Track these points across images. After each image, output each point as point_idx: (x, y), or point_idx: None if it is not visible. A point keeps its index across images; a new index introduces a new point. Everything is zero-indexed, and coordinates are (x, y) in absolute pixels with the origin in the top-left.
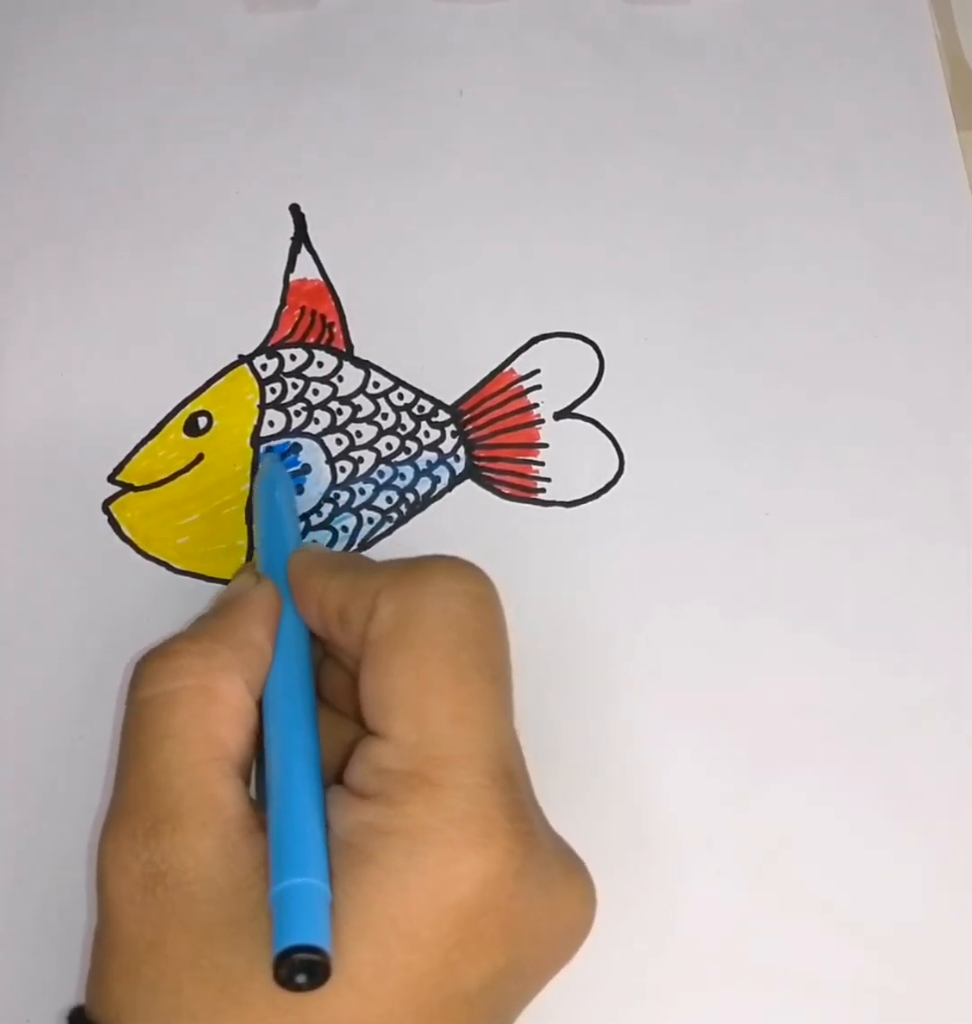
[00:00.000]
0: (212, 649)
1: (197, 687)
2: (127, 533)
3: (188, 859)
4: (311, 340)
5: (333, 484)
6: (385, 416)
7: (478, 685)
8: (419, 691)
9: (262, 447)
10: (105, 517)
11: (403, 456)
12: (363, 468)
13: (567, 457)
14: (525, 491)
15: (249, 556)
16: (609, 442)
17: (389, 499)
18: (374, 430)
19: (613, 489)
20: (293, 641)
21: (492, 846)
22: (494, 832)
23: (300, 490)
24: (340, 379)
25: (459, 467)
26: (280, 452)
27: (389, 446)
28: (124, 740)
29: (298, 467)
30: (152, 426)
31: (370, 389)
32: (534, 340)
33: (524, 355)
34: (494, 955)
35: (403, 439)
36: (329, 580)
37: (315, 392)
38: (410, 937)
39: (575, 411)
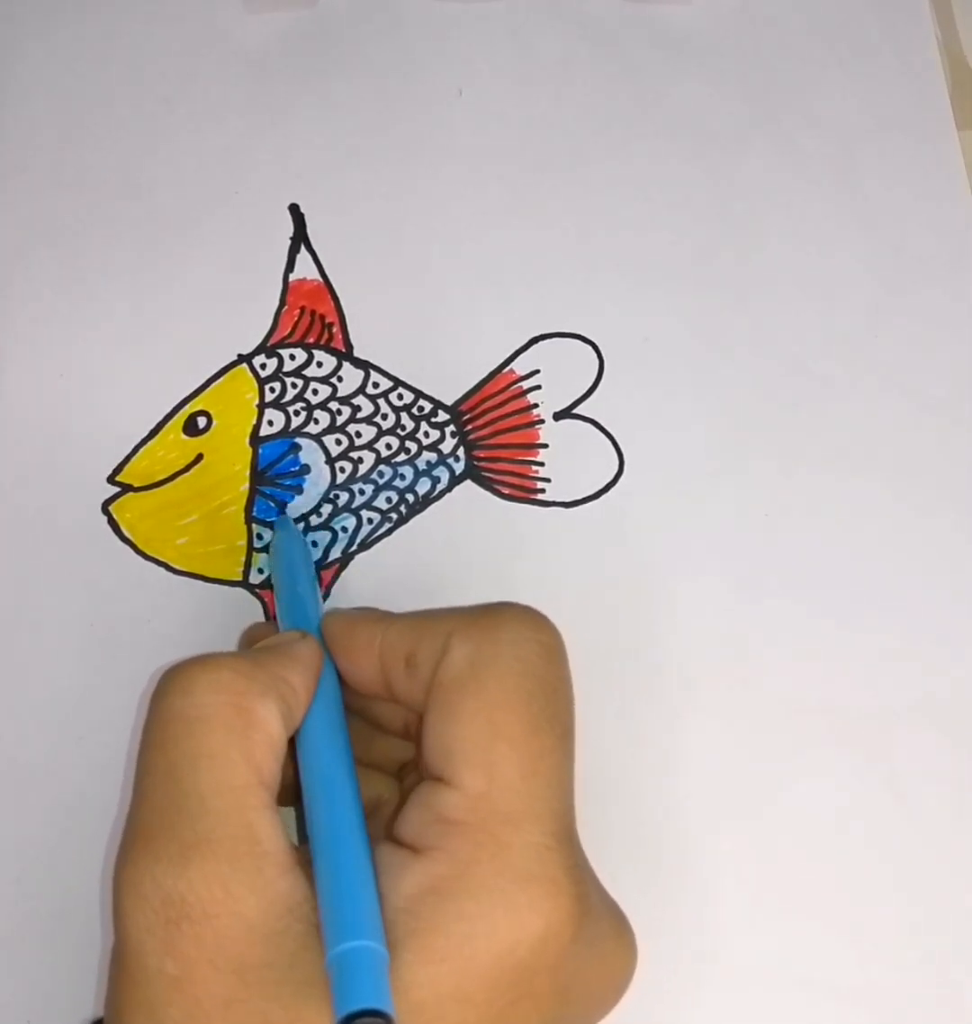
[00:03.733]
0: (252, 671)
1: (236, 706)
2: (126, 534)
3: (218, 892)
4: (310, 340)
5: (333, 484)
6: (385, 416)
7: (549, 740)
8: (490, 740)
9: (276, 515)
10: (105, 518)
11: (403, 456)
12: (363, 468)
13: (567, 457)
14: (525, 491)
15: (249, 556)
16: (609, 442)
17: (389, 499)
18: (374, 430)
19: (613, 489)
20: (331, 696)
21: (555, 910)
22: (558, 895)
23: (299, 490)
24: (340, 379)
25: (459, 467)
26: (280, 451)
27: (389, 446)
28: (149, 752)
29: (298, 467)
30: (151, 426)
31: (370, 389)
32: (534, 340)
33: (524, 355)
34: (544, 1011)
35: (403, 439)
36: (388, 627)
37: (315, 392)
38: (468, 999)
39: (575, 411)
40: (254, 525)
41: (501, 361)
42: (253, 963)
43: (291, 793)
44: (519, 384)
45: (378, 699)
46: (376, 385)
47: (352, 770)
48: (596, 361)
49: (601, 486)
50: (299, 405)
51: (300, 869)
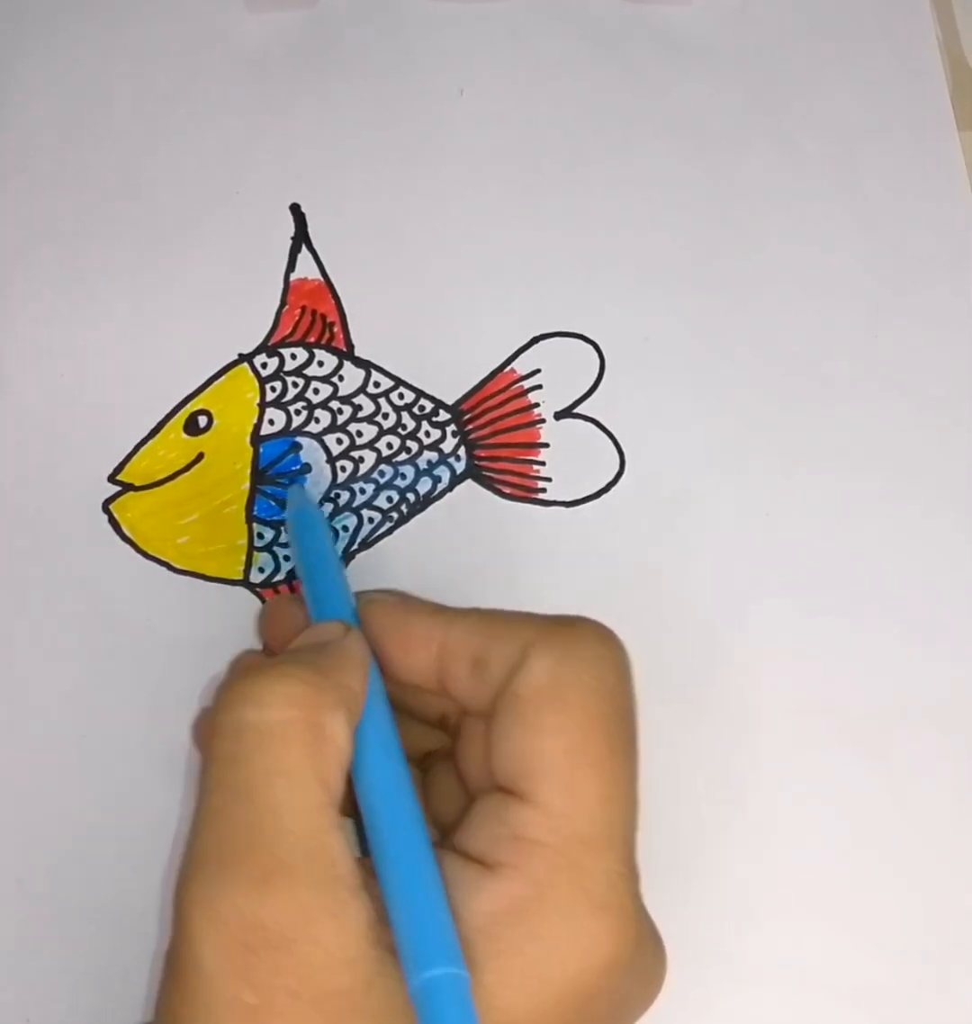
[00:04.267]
0: (321, 682)
1: (309, 721)
2: (127, 533)
3: (298, 918)
4: (311, 339)
5: (333, 484)
6: (386, 416)
7: (624, 764)
8: (574, 760)
9: (289, 484)
10: (105, 517)
11: (404, 456)
12: (364, 468)
13: (568, 457)
14: (526, 491)
15: (249, 555)
16: (610, 442)
17: (390, 499)
18: (375, 430)
19: (614, 489)
20: (379, 694)
21: (623, 938)
22: (626, 923)
23: None
24: (341, 378)
25: (460, 467)
26: (280, 450)
27: (390, 446)
28: (220, 766)
29: (298, 467)
30: (152, 425)
31: (371, 388)
32: (535, 340)
33: (525, 355)
34: None
35: (404, 439)
36: (451, 624)
37: (315, 391)
38: (539, 1022)
39: (576, 411)
40: (255, 524)
41: (502, 360)
42: (331, 991)
43: (349, 802)
44: (520, 383)
45: (421, 690)
46: (377, 384)
47: (409, 776)
48: (597, 360)
49: (602, 486)
50: (300, 404)
51: (367, 889)
